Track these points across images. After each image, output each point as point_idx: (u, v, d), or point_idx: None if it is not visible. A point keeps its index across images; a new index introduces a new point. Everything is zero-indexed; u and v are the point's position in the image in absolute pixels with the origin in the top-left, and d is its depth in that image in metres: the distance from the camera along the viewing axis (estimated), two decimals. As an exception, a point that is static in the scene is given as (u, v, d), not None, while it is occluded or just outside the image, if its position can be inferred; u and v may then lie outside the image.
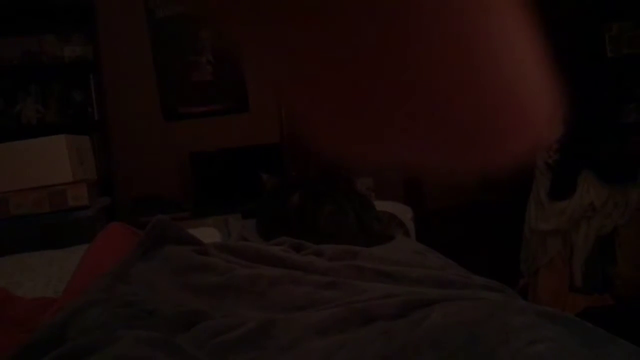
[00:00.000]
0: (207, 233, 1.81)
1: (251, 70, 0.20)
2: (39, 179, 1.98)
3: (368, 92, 0.20)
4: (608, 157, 2.81)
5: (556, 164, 2.82)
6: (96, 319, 0.89)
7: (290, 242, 1.42)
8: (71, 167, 2.00)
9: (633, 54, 3.10)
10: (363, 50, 0.18)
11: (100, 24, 3.10)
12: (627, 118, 3.11)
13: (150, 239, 1.18)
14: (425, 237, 2.10)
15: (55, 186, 1.99)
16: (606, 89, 3.08)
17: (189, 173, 3.18)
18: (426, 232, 2.33)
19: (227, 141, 3.20)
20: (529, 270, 2.93)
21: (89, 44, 3.02)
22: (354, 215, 1.72)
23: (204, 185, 3.13)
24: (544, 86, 0.23)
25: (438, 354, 0.79)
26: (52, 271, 1.49)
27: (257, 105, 3.31)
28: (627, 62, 3.10)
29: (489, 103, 0.22)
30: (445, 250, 1.52)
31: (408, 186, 3.41)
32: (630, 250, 2.67)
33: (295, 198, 1.79)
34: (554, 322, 0.80)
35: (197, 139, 3.25)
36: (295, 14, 0.17)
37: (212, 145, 3.18)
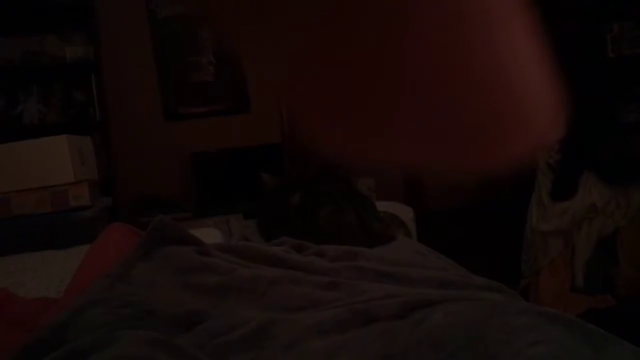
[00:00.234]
0: (209, 233, 1.81)
1: (252, 71, 0.20)
2: (41, 179, 1.98)
3: (369, 92, 0.20)
4: (610, 157, 2.80)
5: (558, 164, 2.82)
6: (97, 319, 0.89)
7: (291, 243, 1.42)
8: (73, 168, 2.00)
9: (634, 54, 3.09)
10: (364, 51, 0.18)
11: (102, 24, 3.11)
12: (629, 118, 3.10)
13: (151, 240, 1.18)
14: (426, 237, 2.10)
15: (57, 186, 2.00)
16: (607, 89, 3.08)
17: (190, 173, 3.18)
18: (427, 232, 2.33)
19: (228, 141, 3.20)
20: (531, 271, 2.93)
21: (90, 44, 3.03)
22: (355, 216, 1.72)
23: (205, 185, 3.13)
24: (545, 86, 0.23)
25: (439, 354, 0.78)
26: (53, 271, 1.49)
27: (258, 105, 3.31)
28: (629, 62, 3.10)
29: (490, 103, 0.22)
30: (446, 250, 1.52)
31: (409, 186, 3.41)
32: (632, 251, 2.67)
33: (296, 198, 1.79)
34: (555, 323, 0.79)
35: (198, 139, 3.25)
36: (295, 14, 0.17)
37: (213, 146, 3.18)
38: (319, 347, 0.84)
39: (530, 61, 0.22)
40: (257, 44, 0.19)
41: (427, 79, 0.19)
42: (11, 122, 2.98)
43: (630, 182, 2.70)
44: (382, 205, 2.05)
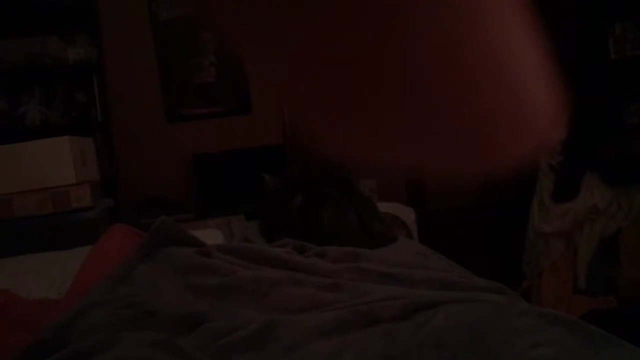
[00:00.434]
0: (210, 234, 1.81)
1: (253, 72, 0.20)
2: (43, 180, 1.99)
3: (370, 93, 0.20)
4: (611, 158, 2.80)
5: (559, 165, 2.81)
6: (99, 320, 0.89)
7: (293, 244, 1.42)
8: (74, 169, 2.01)
9: (636, 55, 3.09)
10: (365, 52, 0.18)
11: (104, 25, 3.11)
12: (631, 119, 3.10)
13: (153, 241, 1.18)
14: (428, 238, 2.10)
15: (59, 187, 2.00)
16: (609, 90, 3.07)
17: (192, 174, 3.18)
18: (429, 233, 2.33)
19: (230, 143, 3.21)
20: (532, 272, 2.92)
21: (93, 46, 3.03)
22: (357, 217, 1.72)
23: (206, 186, 3.13)
24: (547, 87, 0.23)
25: (441, 355, 0.78)
26: (55, 272, 1.49)
27: (260, 106, 3.31)
28: (631, 64, 3.09)
29: (491, 104, 0.22)
30: (448, 251, 1.52)
31: (411, 187, 3.41)
32: (634, 252, 2.67)
33: (298, 199, 1.79)
34: (557, 325, 0.79)
35: (200, 140, 3.25)
36: (297, 15, 0.17)
37: (215, 147, 3.18)
38: (321, 349, 0.84)
39: (531, 62, 0.22)
40: (259, 45, 0.19)
41: (428, 80, 0.19)
42: (13, 124, 2.99)
43: (632, 183, 2.70)
44: (383, 207, 2.05)
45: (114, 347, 0.78)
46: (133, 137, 3.23)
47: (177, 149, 3.25)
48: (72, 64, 3.02)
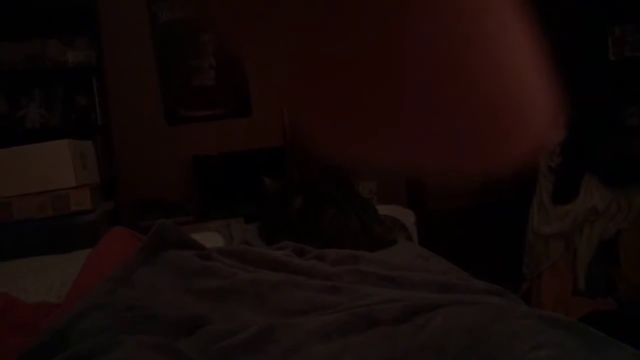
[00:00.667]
0: (210, 237, 1.81)
1: (253, 74, 0.20)
2: (42, 183, 1.99)
3: (370, 95, 0.20)
4: (611, 160, 2.80)
5: (559, 167, 2.81)
6: (98, 323, 0.89)
7: (292, 247, 1.42)
8: (74, 172, 2.01)
9: (635, 56, 3.09)
10: (365, 54, 0.18)
11: (104, 28, 3.11)
12: (630, 121, 3.10)
13: (152, 244, 1.18)
14: (428, 240, 2.10)
15: (58, 190, 2.00)
16: (609, 91, 3.07)
17: (192, 177, 3.18)
18: (428, 235, 2.33)
19: (230, 145, 3.21)
20: (532, 274, 2.92)
21: (92, 49, 3.03)
22: (357, 219, 1.71)
23: (206, 189, 3.13)
24: (546, 88, 0.23)
25: (441, 358, 0.78)
26: (54, 275, 1.49)
27: (260, 109, 3.31)
28: (630, 65, 3.10)
29: (491, 106, 0.22)
30: (448, 253, 1.52)
31: (411, 189, 3.41)
32: (634, 254, 2.66)
33: (298, 202, 1.79)
34: (556, 327, 0.79)
35: (199, 142, 3.25)
36: (296, 17, 0.17)
37: (214, 149, 3.18)
38: (320, 352, 0.84)
39: (531, 63, 0.22)
40: (258, 47, 0.19)
41: (427, 81, 0.19)
42: (13, 126, 2.99)
43: (632, 185, 2.70)
44: (383, 209, 2.05)
45: (114, 350, 0.78)
46: (133, 139, 3.23)
47: (177, 151, 3.25)
48: (71, 67, 3.02)
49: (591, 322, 0.84)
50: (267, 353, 0.85)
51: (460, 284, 1.14)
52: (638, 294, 2.61)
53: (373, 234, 1.70)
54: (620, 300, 2.64)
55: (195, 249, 1.22)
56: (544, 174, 2.88)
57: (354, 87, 0.19)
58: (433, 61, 0.19)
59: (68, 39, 3.03)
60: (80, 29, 3.01)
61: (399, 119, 0.21)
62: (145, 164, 3.24)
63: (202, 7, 0.19)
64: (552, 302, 2.72)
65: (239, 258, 1.25)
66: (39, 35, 2.98)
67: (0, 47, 2.94)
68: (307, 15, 0.17)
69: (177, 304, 1.02)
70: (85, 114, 3.08)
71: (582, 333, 0.78)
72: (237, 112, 3.34)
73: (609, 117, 3.05)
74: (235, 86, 3.29)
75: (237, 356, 0.84)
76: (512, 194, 2.94)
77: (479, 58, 0.20)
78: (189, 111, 3.30)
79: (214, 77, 3.32)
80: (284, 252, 1.35)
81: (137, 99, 3.25)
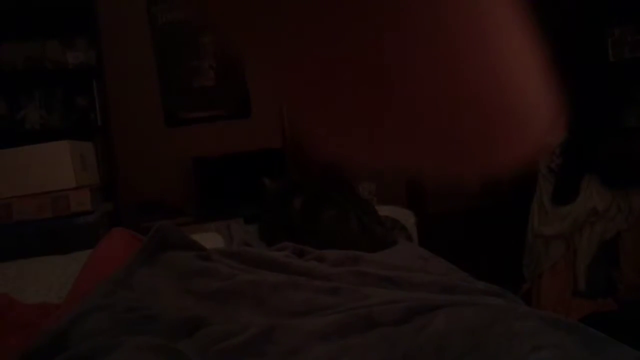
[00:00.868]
0: (210, 238, 1.81)
1: (253, 75, 0.20)
2: (42, 184, 1.98)
3: (370, 97, 0.20)
4: (611, 161, 2.80)
5: (559, 168, 2.82)
6: (98, 324, 0.89)
7: (292, 248, 1.42)
8: (74, 173, 2.01)
9: (635, 57, 3.09)
10: (365, 56, 0.18)
11: (103, 29, 3.12)
12: (630, 122, 3.10)
13: (152, 245, 1.18)
14: (428, 241, 2.10)
15: (58, 192, 2.00)
16: (608, 92, 3.08)
17: (192, 178, 3.18)
18: (429, 236, 2.33)
19: (230, 146, 3.21)
20: (532, 275, 2.92)
21: (92, 50, 3.03)
22: (356, 220, 1.71)
23: (206, 190, 3.13)
24: (545, 90, 0.23)
25: (441, 359, 0.78)
26: (54, 276, 1.49)
27: (259, 110, 3.31)
28: (629, 66, 3.10)
29: (490, 107, 0.22)
30: (448, 254, 1.52)
31: (410, 190, 3.41)
32: (634, 255, 2.66)
33: (298, 203, 1.79)
34: (557, 328, 0.79)
35: (199, 144, 3.25)
36: (296, 19, 0.17)
37: (214, 151, 3.18)
38: (320, 353, 0.84)
39: (530, 64, 0.22)
40: (258, 49, 0.19)
41: (428, 85, 0.19)
42: (13, 128, 2.99)
43: (632, 186, 2.70)
44: (383, 210, 2.05)
45: (114, 351, 0.77)
46: (133, 140, 3.23)
47: (177, 152, 3.25)
48: (71, 68, 3.02)
49: (591, 323, 0.84)
50: (267, 354, 0.85)
51: (460, 285, 1.14)
52: (638, 295, 2.61)
53: (373, 235, 1.70)
54: (621, 301, 2.64)
55: (195, 250, 1.22)
56: (544, 175, 2.88)
57: (354, 88, 0.19)
58: (433, 62, 0.19)
59: (68, 40, 3.03)
60: (80, 30, 3.01)
61: (399, 121, 0.21)
62: (145, 165, 3.24)
63: (201, 8, 0.19)
64: (552, 303, 2.72)
65: (238, 259, 1.25)
66: (38, 36, 2.99)
67: (0, 48, 2.94)
68: (306, 16, 0.17)
69: (177, 305, 1.02)
70: (85, 115, 3.08)
71: (583, 334, 0.78)
72: (237, 113, 3.34)
73: (609, 118, 3.05)
74: (235, 87, 3.30)
75: (236, 357, 0.84)
76: (512, 194, 2.94)
77: (479, 59, 0.20)
78: (189, 112, 3.31)
79: (214, 78, 3.32)
80: (283, 253, 1.35)
81: (137, 100, 3.25)
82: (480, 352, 0.76)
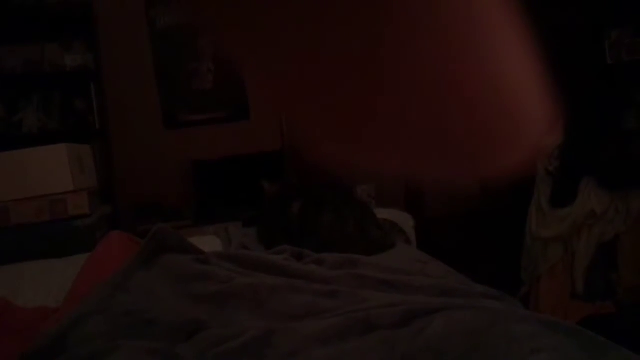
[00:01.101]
0: (208, 241, 1.81)
1: (251, 78, 0.20)
2: (40, 187, 1.98)
3: (369, 100, 0.20)
4: (609, 163, 2.81)
5: (557, 170, 2.82)
6: (96, 328, 0.89)
7: (291, 251, 1.42)
8: (72, 176, 2.00)
9: (633, 60, 3.10)
10: (364, 59, 0.18)
11: (101, 32, 3.12)
12: (628, 124, 3.11)
13: (150, 248, 1.18)
14: (426, 244, 2.10)
15: (56, 195, 1.99)
16: (606, 95, 3.08)
17: (190, 181, 3.18)
18: (427, 239, 2.33)
19: (228, 149, 3.21)
20: (530, 278, 2.92)
21: (90, 53, 3.03)
22: (355, 223, 1.71)
23: (204, 193, 3.13)
24: (543, 93, 0.23)
25: (440, 362, 0.78)
26: (52, 280, 1.49)
27: (258, 113, 3.31)
28: (627, 69, 3.11)
29: (487, 111, 0.22)
30: (446, 257, 1.52)
31: (409, 193, 3.41)
32: (632, 258, 2.67)
33: (296, 206, 1.79)
34: (555, 331, 0.79)
35: (198, 147, 3.25)
36: (295, 22, 0.17)
37: (213, 153, 3.18)
38: (319, 356, 0.84)
39: (527, 67, 0.22)
40: (256, 52, 0.19)
41: (425, 89, 0.19)
42: (11, 131, 2.98)
43: (630, 188, 2.70)
44: (382, 213, 2.05)
45: (112, 355, 0.77)
46: (131, 143, 3.23)
47: (175, 155, 3.25)
48: (69, 71, 3.02)
49: (590, 326, 0.84)
50: (266, 358, 0.85)
51: (459, 288, 1.13)
52: (637, 298, 2.61)
53: (371, 238, 1.70)
54: (619, 304, 2.64)
55: (193, 254, 1.22)
56: (542, 178, 2.89)
57: (353, 92, 0.19)
58: (431, 67, 0.19)
59: (66, 43, 3.03)
60: (79, 34, 3.01)
61: (397, 125, 0.21)
62: (143, 168, 3.24)
63: (200, 11, 0.19)
64: (551, 306, 2.72)
65: (237, 262, 1.25)
66: (37, 40, 2.98)
67: (-2, 51, 2.94)
68: (305, 20, 0.17)
69: (175, 309, 1.02)
70: (83, 118, 3.08)
71: (581, 337, 0.78)
72: (236, 116, 3.34)
73: (607, 121, 3.05)
74: (234, 90, 3.30)
75: (235, 361, 0.84)
76: (511, 197, 2.94)
77: (477, 64, 0.20)
78: (187, 115, 3.31)
79: (212, 81, 3.32)
80: (282, 257, 1.35)
81: (135, 103, 3.25)
82: (478, 355, 0.76)
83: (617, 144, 2.93)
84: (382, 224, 1.88)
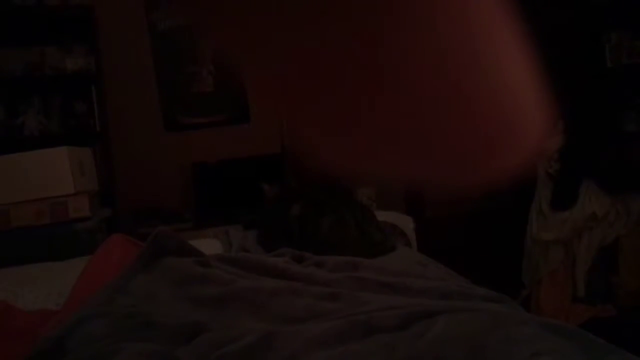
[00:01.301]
0: (208, 244, 1.81)
1: (251, 81, 0.20)
2: (41, 190, 1.98)
3: (368, 104, 0.20)
4: (609, 166, 2.81)
5: (558, 173, 2.82)
6: (97, 331, 0.89)
7: (291, 253, 1.42)
8: (73, 179, 2.00)
9: (632, 63, 3.10)
10: (363, 62, 0.18)
11: (102, 35, 3.12)
12: (628, 127, 3.11)
13: (151, 251, 1.18)
14: (427, 246, 2.10)
15: (57, 198, 1.99)
16: (606, 98, 3.08)
17: (190, 184, 3.18)
18: (428, 241, 2.32)
19: (229, 152, 3.21)
20: (531, 281, 2.92)
21: (91, 55, 3.04)
22: (355, 226, 1.71)
23: (205, 196, 3.13)
24: (543, 95, 0.23)
25: (440, 365, 0.78)
26: (53, 283, 1.49)
27: (258, 116, 3.31)
28: (627, 72, 3.11)
29: (487, 114, 0.22)
30: (447, 260, 1.52)
31: (409, 196, 3.41)
32: (633, 260, 2.66)
33: (296, 208, 1.79)
34: (556, 334, 0.79)
35: (198, 149, 3.25)
36: (295, 25, 0.17)
37: (213, 156, 3.18)
38: (319, 359, 0.84)
39: (527, 71, 0.22)
40: (256, 55, 0.19)
41: (426, 92, 0.19)
42: (12, 134, 2.98)
43: (630, 191, 2.70)
44: (382, 215, 2.05)
45: (113, 358, 0.77)
46: (131, 146, 3.23)
47: (175, 158, 3.25)
48: (70, 74, 3.02)
49: (591, 329, 0.84)
50: (266, 361, 0.85)
51: (459, 291, 1.13)
52: (637, 301, 2.61)
53: (372, 241, 1.70)
54: (620, 307, 2.64)
55: (193, 256, 1.22)
56: (542, 181, 2.89)
57: (352, 94, 0.19)
58: (431, 71, 0.19)
59: (67, 46, 3.03)
60: (79, 37, 3.02)
61: (397, 128, 0.21)
62: (143, 171, 3.24)
63: (200, 14, 0.19)
64: (552, 309, 2.71)
65: (237, 265, 1.25)
66: (38, 43, 2.99)
67: (-1, 54, 2.95)
68: (305, 23, 0.17)
69: (176, 312, 1.02)
70: (83, 121, 3.08)
71: (582, 340, 0.78)
72: (236, 119, 3.34)
73: (607, 124, 3.05)
74: (234, 93, 3.30)
75: (235, 364, 0.84)
76: (511, 200, 2.94)
77: (478, 68, 0.20)
78: (188, 118, 3.31)
79: (213, 84, 3.32)
80: (282, 259, 1.35)
81: (136, 105, 3.25)
82: (479, 358, 0.76)
83: (617, 146, 2.93)
84: (382, 227, 1.88)
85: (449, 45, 0.19)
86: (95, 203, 2.25)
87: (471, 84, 0.20)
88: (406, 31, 0.18)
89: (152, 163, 3.25)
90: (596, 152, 2.83)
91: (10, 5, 2.87)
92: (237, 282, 1.12)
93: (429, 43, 0.18)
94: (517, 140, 0.24)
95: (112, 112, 3.15)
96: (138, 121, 3.25)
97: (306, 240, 1.64)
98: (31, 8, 2.91)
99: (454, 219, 3.34)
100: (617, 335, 1.01)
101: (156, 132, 3.27)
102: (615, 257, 2.70)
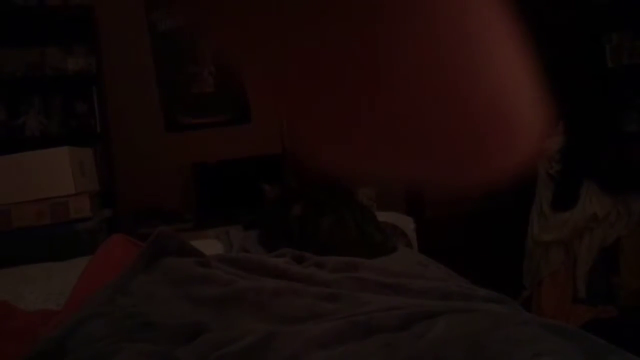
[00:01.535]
0: (209, 245, 1.81)
1: (252, 82, 0.20)
2: (41, 190, 1.98)
3: (368, 104, 0.20)
4: (610, 166, 2.81)
5: (558, 174, 2.82)
6: (97, 331, 0.89)
7: (291, 254, 1.42)
8: (73, 179, 2.00)
9: (633, 64, 3.10)
10: (363, 63, 0.18)
11: (103, 36, 3.12)
12: (629, 128, 3.11)
13: (151, 251, 1.18)
14: (427, 247, 2.10)
15: (58, 198, 1.99)
16: (607, 98, 3.08)
17: (191, 184, 3.18)
18: (428, 242, 2.33)
19: (229, 152, 3.21)
20: (532, 282, 2.92)
21: (92, 56, 3.04)
22: (355, 226, 1.71)
23: (205, 196, 3.13)
24: (544, 96, 0.23)
25: (441, 366, 0.78)
26: (53, 283, 1.49)
27: (259, 116, 3.32)
28: (628, 72, 3.11)
29: (487, 115, 0.22)
30: (447, 260, 1.52)
31: (410, 196, 3.41)
32: (634, 261, 2.66)
33: (297, 209, 1.79)
34: (557, 334, 0.79)
35: (198, 150, 3.25)
36: (295, 26, 0.17)
37: (213, 156, 3.18)
38: (320, 359, 0.84)
39: (527, 71, 0.22)
40: (256, 55, 0.19)
41: (426, 93, 0.19)
42: (13, 134, 2.99)
43: (631, 192, 2.70)
44: (383, 216, 2.05)
45: (113, 358, 0.77)
46: (132, 146, 3.23)
47: (176, 158, 3.25)
48: (71, 74, 3.02)
49: (592, 330, 0.84)
50: (267, 361, 0.85)
51: (460, 291, 1.13)
52: (638, 301, 2.60)
53: (372, 241, 1.70)
54: (621, 308, 2.64)
55: (194, 257, 1.22)
56: (543, 181, 2.89)
57: (353, 95, 0.19)
58: (430, 71, 0.19)
59: (67, 47, 3.03)
60: (80, 37, 3.02)
61: (396, 129, 0.21)
62: (144, 171, 3.24)
63: (200, 15, 0.19)
64: (552, 310, 2.71)
65: (238, 265, 1.25)
66: (38, 43, 2.99)
67: None
68: (306, 24, 0.17)
69: (176, 312, 1.02)
70: (84, 121, 3.08)
71: (583, 341, 0.78)
72: (237, 119, 3.34)
73: (608, 124, 3.05)
74: (235, 93, 3.30)
75: (236, 364, 0.84)
76: (511, 200, 2.94)
77: (477, 68, 0.20)
78: (188, 118, 3.31)
79: (213, 85, 3.32)
80: (283, 260, 1.35)
81: (137, 106, 3.25)
82: (479, 358, 0.76)
83: (618, 147, 2.93)
84: (382, 227, 1.88)
85: (449, 45, 0.19)
86: (96, 203, 2.26)
87: (471, 84, 0.20)
88: (406, 31, 0.18)
89: (152, 163, 3.25)
90: (597, 152, 2.83)
91: (11, 5, 2.87)
92: (238, 282, 1.12)
93: (429, 43, 0.18)
94: (517, 140, 0.24)
95: (113, 113, 3.15)
96: (138, 121, 3.25)
97: (306, 241, 1.64)
98: (32, 8, 2.91)
99: (454, 219, 3.34)
100: (619, 336, 1.01)
101: (157, 133, 3.27)
102: (616, 257, 2.70)
